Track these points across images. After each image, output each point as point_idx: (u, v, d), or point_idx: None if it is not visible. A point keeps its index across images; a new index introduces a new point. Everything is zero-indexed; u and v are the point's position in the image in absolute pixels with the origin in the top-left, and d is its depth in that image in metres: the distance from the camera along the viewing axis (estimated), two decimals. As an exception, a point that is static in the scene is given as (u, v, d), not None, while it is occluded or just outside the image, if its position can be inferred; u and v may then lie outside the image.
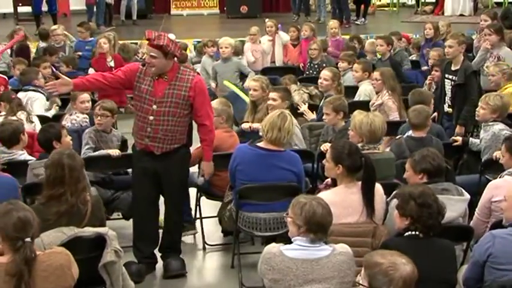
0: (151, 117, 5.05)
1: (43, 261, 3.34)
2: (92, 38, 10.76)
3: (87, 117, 6.66)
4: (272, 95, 6.29)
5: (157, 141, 5.10)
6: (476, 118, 6.10)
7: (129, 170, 5.81)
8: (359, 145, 4.83)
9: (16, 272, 3.23)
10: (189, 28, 15.27)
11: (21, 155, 5.50)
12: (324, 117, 6.11)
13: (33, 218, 3.37)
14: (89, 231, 4.10)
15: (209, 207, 6.11)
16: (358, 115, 5.22)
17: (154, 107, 5.04)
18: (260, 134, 5.28)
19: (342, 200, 4.23)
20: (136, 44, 10.79)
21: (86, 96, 6.82)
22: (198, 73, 5.31)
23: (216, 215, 5.66)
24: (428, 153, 4.54)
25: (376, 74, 7.18)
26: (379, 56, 8.90)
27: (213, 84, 9.04)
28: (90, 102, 6.84)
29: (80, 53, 10.17)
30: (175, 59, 5.12)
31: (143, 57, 10.45)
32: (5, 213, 3.33)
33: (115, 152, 5.74)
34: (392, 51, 8.87)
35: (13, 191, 4.51)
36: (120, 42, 10.44)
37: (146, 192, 5.22)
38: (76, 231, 4.05)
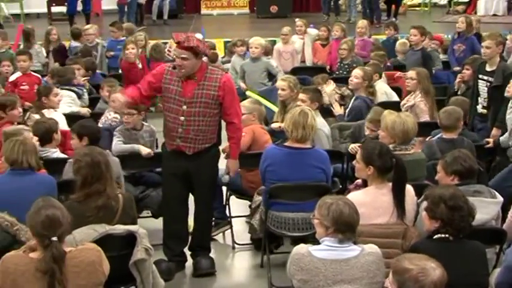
0: (182, 118, 5.07)
1: (75, 257, 3.38)
2: (124, 38, 10.83)
3: (118, 116, 6.68)
4: (301, 96, 6.27)
5: (188, 142, 5.12)
6: None
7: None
8: (390, 146, 4.80)
9: (47, 270, 3.28)
10: (219, 28, 15.31)
11: (54, 153, 5.56)
12: (367, 132, 5.98)
13: (63, 216, 3.41)
14: (119, 228, 4.13)
15: (239, 206, 6.13)
16: (389, 115, 5.16)
17: (185, 107, 5.06)
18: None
19: (372, 200, 4.20)
20: (166, 43, 10.86)
21: (118, 95, 6.82)
22: (226, 72, 5.34)
23: (245, 214, 5.67)
24: (460, 155, 4.49)
25: (411, 73, 7.11)
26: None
27: (242, 85, 9.04)
28: None
29: (112, 53, 10.24)
30: (205, 58, 5.15)
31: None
32: (36, 210, 3.39)
33: (146, 150, 5.79)
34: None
35: (51, 189, 4.55)
36: (152, 42, 10.52)
37: (177, 192, 5.26)
38: (107, 229, 4.08)
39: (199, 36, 5.06)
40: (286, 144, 5.12)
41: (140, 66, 8.57)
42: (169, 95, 5.11)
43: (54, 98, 6.76)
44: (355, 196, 4.05)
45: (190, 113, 5.06)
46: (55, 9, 16.68)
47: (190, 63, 4.98)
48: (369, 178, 4.39)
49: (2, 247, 3.80)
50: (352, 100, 6.94)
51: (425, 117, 6.82)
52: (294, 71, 9.45)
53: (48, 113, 6.56)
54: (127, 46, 8.15)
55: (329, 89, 7.12)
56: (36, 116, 6.35)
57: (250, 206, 5.81)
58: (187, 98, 5.05)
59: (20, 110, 6.23)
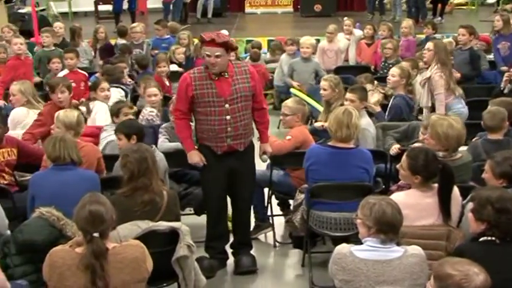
0: (228, 117, 5.05)
1: (119, 253, 3.42)
2: (168, 36, 10.92)
3: (154, 110, 6.72)
4: (349, 95, 6.18)
5: (239, 138, 5.14)
6: None
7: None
8: (440, 154, 4.65)
9: (88, 265, 3.32)
10: (263, 27, 15.32)
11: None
12: (420, 137, 5.91)
13: (107, 213, 3.44)
14: (163, 225, 4.18)
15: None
16: (439, 123, 4.93)
17: (227, 106, 5.04)
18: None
19: (416, 203, 4.15)
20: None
21: (153, 90, 6.83)
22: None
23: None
24: (510, 156, 4.40)
25: (429, 45, 7.00)
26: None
27: (293, 82, 9.02)
28: (159, 96, 6.87)
29: (156, 51, 10.32)
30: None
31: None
32: (82, 205, 3.44)
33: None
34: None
35: (95, 184, 4.62)
36: (196, 40, 10.58)
37: (220, 192, 5.25)
38: (151, 225, 4.13)
39: (225, 32, 5.12)
40: (329, 143, 5.10)
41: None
42: (205, 99, 5.03)
43: (101, 92, 6.86)
44: (398, 198, 4.00)
45: (234, 110, 5.06)
46: (102, 7, 16.92)
47: (223, 60, 4.98)
48: (414, 184, 4.35)
49: (49, 241, 3.88)
50: (392, 99, 6.87)
51: (440, 90, 6.69)
52: (337, 70, 9.41)
53: (92, 104, 6.70)
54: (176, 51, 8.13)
55: (374, 98, 7.05)
56: (83, 109, 6.49)
57: (282, 203, 5.83)
58: (227, 96, 5.03)
59: (60, 95, 6.24)
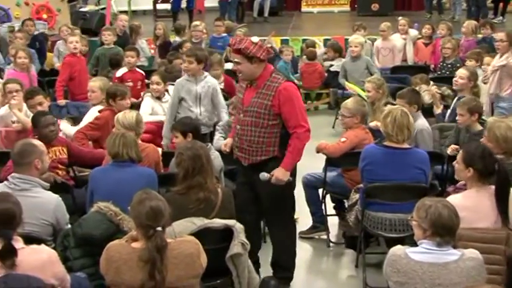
0: (238, 127, 4.90)
1: (174, 249, 3.45)
2: (225, 34, 10.97)
3: None
4: (398, 102, 6.05)
5: (243, 152, 4.87)
6: None
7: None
8: (498, 156, 4.52)
9: (149, 259, 3.36)
10: (319, 26, 15.24)
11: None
12: (457, 118, 5.88)
13: (165, 208, 3.49)
14: (217, 222, 4.20)
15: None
16: (497, 126, 4.87)
17: (241, 115, 4.88)
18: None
19: (473, 204, 4.07)
20: (264, 40, 10.94)
21: None
22: (287, 80, 4.87)
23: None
24: None
25: (501, 35, 6.89)
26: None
27: (347, 83, 8.98)
28: None
29: (212, 50, 10.35)
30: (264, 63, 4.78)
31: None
32: (140, 202, 3.48)
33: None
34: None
35: (152, 181, 4.68)
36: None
37: (245, 200, 4.93)
38: (205, 222, 4.16)
39: (254, 39, 4.79)
40: (385, 143, 5.04)
41: None
42: (237, 103, 5.04)
43: (151, 86, 7.04)
44: (455, 200, 3.93)
45: (244, 122, 4.81)
46: (160, 6, 17.12)
47: (245, 68, 4.74)
48: (468, 181, 4.25)
49: (106, 236, 3.95)
50: (455, 100, 6.74)
51: None
52: (394, 70, 9.31)
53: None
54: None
55: (427, 100, 6.95)
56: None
57: (338, 205, 5.77)
58: (245, 106, 4.82)
59: (129, 101, 6.40)
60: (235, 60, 4.78)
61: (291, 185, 4.87)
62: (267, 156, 4.80)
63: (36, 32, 10.66)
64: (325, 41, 11.90)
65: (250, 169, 4.85)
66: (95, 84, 6.72)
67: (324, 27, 14.72)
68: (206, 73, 6.47)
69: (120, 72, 8.35)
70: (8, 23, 11.86)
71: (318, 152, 5.77)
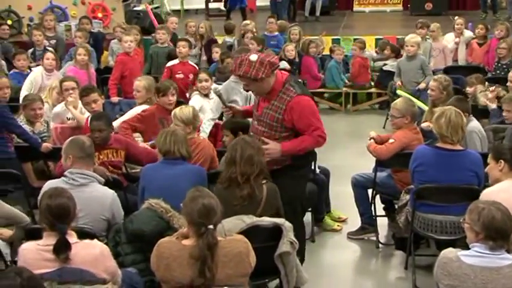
0: (251, 133, 4.92)
1: (224, 247, 3.46)
2: (277, 33, 10.95)
3: None
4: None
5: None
6: None
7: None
8: None
9: (200, 256, 3.38)
10: (371, 25, 15.10)
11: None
12: (504, 113, 5.74)
13: (217, 206, 3.50)
14: (266, 220, 4.19)
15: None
16: None
17: (255, 123, 4.88)
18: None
19: (507, 196, 3.95)
20: (316, 39, 10.90)
21: None
22: (300, 94, 4.71)
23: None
24: None
25: None
26: None
27: (398, 82, 8.88)
28: None
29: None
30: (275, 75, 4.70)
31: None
32: (192, 199, 3.49)
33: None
34: None
35: (202, 179, 4.71)
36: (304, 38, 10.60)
37: None
38: (255, 220, 4.16)
39: (253, 57, 4.61)
40: (438, 145, 4.95)
41: None
42: (254, 109, 5.00)
43: (199, 83, 7.03)
44: (489, 192, 3.85)
45: (257, 131, 4.81)
46: (212, 5, 17.23)
47: (254, 88, 4.72)
48: (503, 176, 4.19)
49: (156, 232, 3.99)
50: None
51: None
52: (447, 70, 9.15)
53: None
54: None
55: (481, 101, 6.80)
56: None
57: (387, 207, 5.68)
58: (258, 114, 4.82)
59: (171, 98, 6.29)
60: (243, 83, 4.79)
61: (301, 188, 4.88)
62: (279, 166, 4.73)
63: (92, 31, 10.83)
64: (377, 40, 11.79)
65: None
66: (140, 83, 6.78)
67: (375, 26, 14.58)
68: None
69: (171, 63, 8.40)
70: (64, 22, 12.10)
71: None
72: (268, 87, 4.68)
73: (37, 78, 7.93)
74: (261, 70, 4.56)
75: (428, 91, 6.61)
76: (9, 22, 11.76)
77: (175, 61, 8.39)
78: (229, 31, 10.97)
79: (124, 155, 5.54)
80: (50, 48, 9.60)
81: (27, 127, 6.21)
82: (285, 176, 4.71)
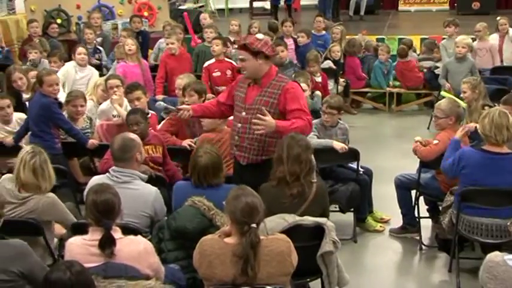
0: (239, 125, 4.83)
1: (266, 246, 3.46)
2: (324, 32, 10.88)
3: None
4: (503, 107, 5.83)
5: (243, 151, 4.81)
6: None
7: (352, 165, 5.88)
8: None
9: (243, 255, 3.38)
10: (416, 25, 14.92)
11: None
12: None
13: (260, 205, 3.49)
14: (308, 220, 4.17)
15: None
16: None
17: (243, 113, 4.81)
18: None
19: None
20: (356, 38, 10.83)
21: (302, 85, 6.94)
22: (294, 80, 4.89)
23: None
24: None
25: None
26: None
27: (447, 85, 8.72)
28: (308, 92, 7.01)
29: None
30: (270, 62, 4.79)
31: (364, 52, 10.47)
32: (235, 197, 3.49)
33: (339, 145, 5.79)
34: None
35: None
36: (347, 37, 10.53)
37: None
38: (297, 219, 4.14)
39: (260, 36, 4.77)
40: (484, 147, 4.86)
41: None
42: (236, 102, 4.94)
43: None
44: None
45: (247, 120, 4.75)
46: (256, 4, 17.26)
47: (250, 64, 4.71)
48: None
49: (199, 229, 4.01)
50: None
51: None
52: (494, 71, 8.98)
53: None
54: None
55: None
56: None
57: (431, 208, 5.59)
58: (248, 104, 4.79)
59: (193, 99, 6.18)
60: (240, 57, 4.77)
61: None
62: (267, 157, 4.71)
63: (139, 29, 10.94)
64: (422, 40, 11.64)
65: (247, 169, 4.80)
66: (182, 81, 6.82)
67: (421, 26, 14.40)
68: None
69: (207, 62, 8.45)
70: (111, 21, 12.27)
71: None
72: (261, 72, 4.74)
73: (70, 72, 8.08)
74: (265, 47, 4.69)
75: (461, 94, 6.54)
76: (58, 21, 11.97)
77: (212, 60, 8.45)
78: (273, 30, 10.96)
79: (162, 150, 5.57)
80: (100, 48, 9.75)
81: None
82: (266, 167, 4.57)
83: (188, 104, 5.59)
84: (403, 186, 5.80)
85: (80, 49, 8.27)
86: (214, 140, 5.54)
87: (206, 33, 9.70)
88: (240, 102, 4.88)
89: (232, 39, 9.87)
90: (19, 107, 6.88)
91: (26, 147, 4.59)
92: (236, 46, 4.76)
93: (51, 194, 4.52)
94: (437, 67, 9.76)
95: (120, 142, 4.57)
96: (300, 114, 4.69)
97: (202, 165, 4.44)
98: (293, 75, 7.48)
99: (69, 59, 8.79)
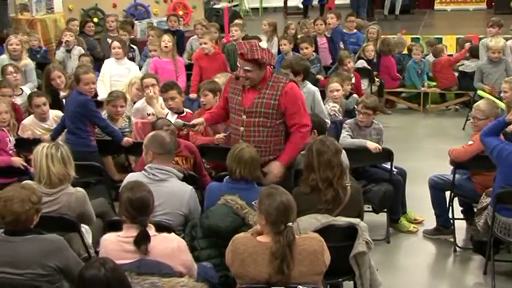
0: (241, 129, 4.85)
1: (299, 245, 3.45)
2: (356, 31, 10.81)
3: (337, 105, 6.82)
4: None
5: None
6: None
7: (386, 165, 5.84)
8: None
9: (280, 254, 3.38)
10: (452, 24, 14.77)
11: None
12: None
13: (294, 203, 3.50)
14: (341, 220, 4.15)
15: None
16: None
17: (244, 117, 4.82)
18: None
19: None
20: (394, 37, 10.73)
21: (335, 85, 6.98)
22: (292, 80, 4.92)
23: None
24: None
25: None
26: None
27: (485, 87, 8.58)
28: (341, 91, 6.99)
29: (342, 46, 10.21)
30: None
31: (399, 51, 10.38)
32: (269, 195, 3.49)
33: (373, 145, 5.75)
34: None
35: None
36: (382, 36, 10.44)
37: None
38: (330, 220, 4.13)
39: (263, 45, 4.77)
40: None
41: None
42: (232, 104, 4.93)
43: None
44: None
45: (249, 123, 4.81)
46: (291, 3, 17.25)
47: (255, 75, 4.73)
48: None
49: (232, 228, 4.02)
50: None
51: None
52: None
53: None
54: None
55: None
56: None
57: (466, 210, 5.52)
58: (247, 107, 4.80)
59: (207, 98, 6.23)
60: (246, 68, 4.73)
61: (287, 178, 4.82)
62: (274, 156, 4.81)
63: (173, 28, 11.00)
64: (458, 39, 11.49)
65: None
66: (219, 80, 6.83)
67: (457, 25, 14.24)
68: (306, 82, 6.20)
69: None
70: (147, 20, 12.37)
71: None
72: (261, 77, 4.79)
73: (106, 68, 8.17)
74: (272, 58, 4.79)
75: (501, 93, 6.43)
76: (95, 20, 12.11)
77: None
78: (303, 29, 10.91)
79: (193, 163, 5.46)
80: (133, 46, 9.84)
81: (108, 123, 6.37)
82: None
83: (204, 104, 6.09)
84: (437, 187, 5.74)
85: (115, 43, 8.33)
86: None
87: (231, 31, 9.69)
88: (237, 105, 4.90)
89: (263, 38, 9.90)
90: (56, 104, 6.99)
91: (41, 144, 4.58)
92: (242, 57, 4.74)
93: (81, 189, 4.57)
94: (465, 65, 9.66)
95: (168, 135, 4.64)
96: (297, 121, 4.79)
97: (248, 157, 4.43)
98: (332, 75, 7.54)
99: (106, 57, 8.88)
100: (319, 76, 8.48)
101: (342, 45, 10.08)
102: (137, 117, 6.74)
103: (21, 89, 7.53)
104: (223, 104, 5.15)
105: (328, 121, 6.12)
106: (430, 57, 10.21)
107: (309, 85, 6.25)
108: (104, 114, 6.49)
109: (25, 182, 4.39)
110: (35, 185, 4.33)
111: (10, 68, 7.56)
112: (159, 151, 4.60)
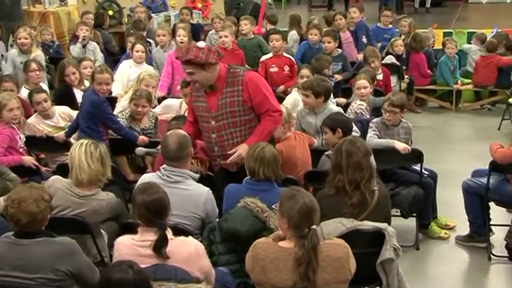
0: (213, 135, 4.89)
1: (322, 251, 3.43)
2: (391, 26, 10.71)
3: (364, 104, 6.79)
4: None
5: (229, 158, 4.85)
6: None
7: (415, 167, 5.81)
8: None
9: (305, 259, 3.36)
10: (488, 17, 14.63)
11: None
12: None
13: (317, 205, 3.47)
14: (368, 225, 4.12)
15: (500, 214, 5.83)
16: None
17: (213, 123, 4.85)
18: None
19: None
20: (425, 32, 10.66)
21: (363, 82, 6.98)
22: (249, 69, 4.96)
23: (507, 223, 5.38)
24: None
25: None
26: None
27: None
28: (369, 89, 6.99)
29: (379, 44, 10.08)
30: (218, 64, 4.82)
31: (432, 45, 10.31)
32: (290, 197, 3.47)
33: (401, 145, 5.72)
34: None
35: None
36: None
37: None
38: (355, 224, 4.10)
39: (201, 44, 4.81)
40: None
41: None
42: (199, 113, 4.95)
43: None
44: None
45: (220, 128, 4.85)
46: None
47: (200, 76, 4.76)
48: None
49: (252, 232, 4.01)
50: None
51: None
52: None
53: None
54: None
55: None
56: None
57: None
58: (214, 112, 4.83)
59: None
60: (187, 71, 4.78)
61: None
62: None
63: (191, 22, 11.03)
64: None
65: (238, 174, 4.74)
66: None
67: (493, 18, 14.09)
68: (328, 103, 6.15)
69: (264, 57, 8.47)
70: (164, 12, 12.42)
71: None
72: (213, 77, 4.80)
73: (124, 70, 8.20)
74: (209, 56, 4.73)
75: None
76: (110, 12, 12.18)
77: (269, 55, 8.46)
78: (329, 22, 10.89)
79: (208, 166, 5.43)
80: (150, 40, 9.86)
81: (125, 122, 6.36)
82: None
83: None
84: (471, 191, 5.69)
85: (138, 46, 8.32)
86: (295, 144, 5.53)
87: (240, 26, 9.64)
88: (204, 112, 4.92)
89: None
90: (68, 100, 7.03)
91: (79, 141, 4.62)
92: (179, 60, 4.79)
93: (113, 194, 4.58)
94: None
95: (176, 140, 4.54)
96: (267, 108, 4.83)
97: (270, 156, 4.44)
98: (360, 71, 7.53)
99: (121, 51, 8.92)
100: (337, 76, 8.23)
101: (364, 40, 10.03)
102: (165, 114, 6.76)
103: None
104: (193, 118, 5.12)
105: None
106: (473, 47, 10.07)
107: (331, 105, 6.25)
108: (126, 112, 6.45)
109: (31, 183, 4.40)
110: (64, 185, 4.37)
111: (34, 65, 7.59)
112: (163, 155, 4.60)
